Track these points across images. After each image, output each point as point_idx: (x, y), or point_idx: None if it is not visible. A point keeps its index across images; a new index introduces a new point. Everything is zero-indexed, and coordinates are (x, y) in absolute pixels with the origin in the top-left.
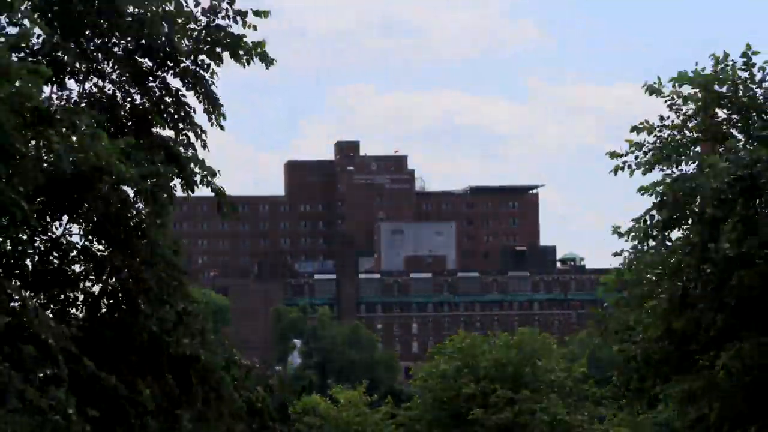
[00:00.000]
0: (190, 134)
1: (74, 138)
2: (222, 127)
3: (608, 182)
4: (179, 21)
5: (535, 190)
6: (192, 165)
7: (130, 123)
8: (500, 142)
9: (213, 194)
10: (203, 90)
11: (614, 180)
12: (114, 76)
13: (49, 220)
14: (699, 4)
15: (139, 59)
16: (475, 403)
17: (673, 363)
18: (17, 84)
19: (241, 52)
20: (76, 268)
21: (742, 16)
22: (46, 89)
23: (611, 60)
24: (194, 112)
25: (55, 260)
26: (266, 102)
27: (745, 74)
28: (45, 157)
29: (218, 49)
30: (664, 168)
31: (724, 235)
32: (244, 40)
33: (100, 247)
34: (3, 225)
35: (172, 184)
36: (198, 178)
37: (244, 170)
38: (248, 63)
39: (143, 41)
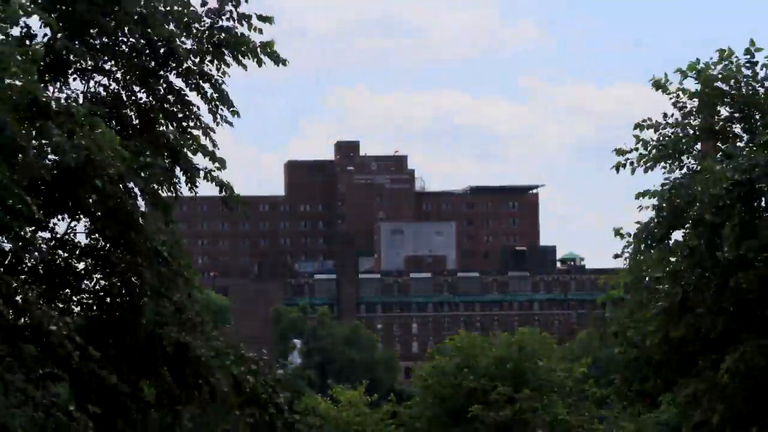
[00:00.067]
0: (198, 132)
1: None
2: (231, 124)
3: (608, 182)
4: (184, 20)
5: (535, 190)
6: (200, 156)
7: (135, 122)
8: (500, 142)
9: (213, 193)
10: (212, 87)
11: (614, 180)
12: (119, 75)
13: (49, 215)
14: (699, 4)
15: (143, 58)
16: (475, 399)
17: (673, 365)
18: (13, 70)
19: (249, 55)
20: (80, 265)
21: (743, 16)
22: (49, 87)
23: (611, 60)
24: (199, 109)
25: (58, 258)
26: (266, 102)
27: (748, 71)
28: (47, 150)
29: (224, 51)
30: (666, 166)
31: (725, 241)
32: (251, 41)
33: (104, 244)
34: (6, 222)
35: (174, 180)
36: (201, 174)
37: (244, 170)
38: (259, 65)
39: (146, 40)
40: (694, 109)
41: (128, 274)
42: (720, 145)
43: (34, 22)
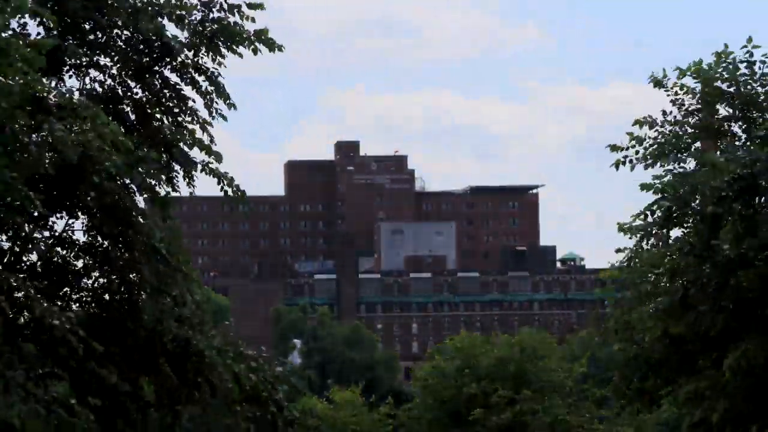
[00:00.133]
0: (196, 127)
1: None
2: (225, 118)
3: (608, 182)
4: (177, 13)
5: (535, 190)
6: (196, 150)
7: (132, 117)
8: (500, 142)
9: (213, 193)
10: (208, 79)
11: (614, 180)
12: (114, 71)
13: (50, 213)
14: (699, 4)
15: (138, 54)
16: (476, 403)
17: (673, 364)
18: (18, 65)
19: (244, 44)
20: (79, 263)
21: (744, 15)
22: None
23: (611, 60)
24: (194, 102)
25: (56, 255)
26: (266, 102)
27: (746, 70)
28: (47, 143)
29: (218, 42)
30: (665, 164)
31: (724, 236)
32: (245, 30)
33: (101, 242)
34: (7, 218)
35: (172, 175)
36: (199, 168)
37: (245, 170)
38: (255, 53)
39: (139, 36)
40: (693, 108)
41: (127, 272)
42: (719, 143)
43: (28, 19)
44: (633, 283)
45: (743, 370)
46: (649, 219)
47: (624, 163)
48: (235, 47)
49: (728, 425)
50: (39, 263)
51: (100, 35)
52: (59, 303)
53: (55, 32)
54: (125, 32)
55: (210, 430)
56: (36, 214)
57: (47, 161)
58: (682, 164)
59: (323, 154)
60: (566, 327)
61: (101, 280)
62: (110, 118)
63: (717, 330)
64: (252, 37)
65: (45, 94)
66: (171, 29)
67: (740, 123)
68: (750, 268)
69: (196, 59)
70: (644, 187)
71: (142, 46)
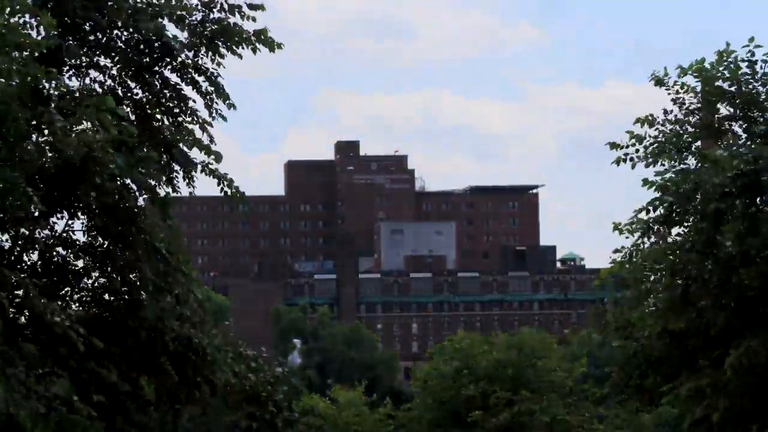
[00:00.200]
0: (195, 127)
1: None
2: (224, 118)
3: (608, 182)
4: (177, 13)
5: (535, 190)
6: (195, 150)
7: (132, 118)
8: (500, 142)
9: (213, 193)
10: (208, 80)
11: (614, 180)
12: (114, 71)
13: (49, 212)
14: (700, 5)
15: (138, 54)
16: (475, 404)
17: (673, 361)
18: (15, 55)
19: (244, 44)
20: (79, 263)
21: (744, 15)
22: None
23: (611, 60)
24: (194, 102)
25: (56, 255)
26: (266, 102)
27: (748, 69)
28: (48, 143)
29: (217, 43)
30: (666, 162)
31: (727, 234)
32: (245, 30)
33: (101, 242)
34: (7, 219)
35: (172, 176)
36: (199, 168)
37: (245, 170)
38: (254, 52)
39: (139, 36)
40: (694, 107)
41: (127, 271)
42: (719, 143)
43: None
44: (635, 278)
45: (745, 368)
46: (651, 215)
47: (625, 160)
48: (235, 48)
49: (729, 424)
50: (39, 263)
51: (100, 36)
52: (60, 303)
53: (54, 32)
54: (125, 33)
55: (210, 430)
56: (36, 213)
57: (48, 160)
58: (684, 162)
59: (323, 154)
60: (566, 327)
61: (101, 280)
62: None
63: (718, 329)
64: (252, 38)
65: (45, 83)
66: (171, 29)
67: (741, 122)
68: (752, 265)
69: (196, 60)
70: (646, 182)
71: (142, 46)
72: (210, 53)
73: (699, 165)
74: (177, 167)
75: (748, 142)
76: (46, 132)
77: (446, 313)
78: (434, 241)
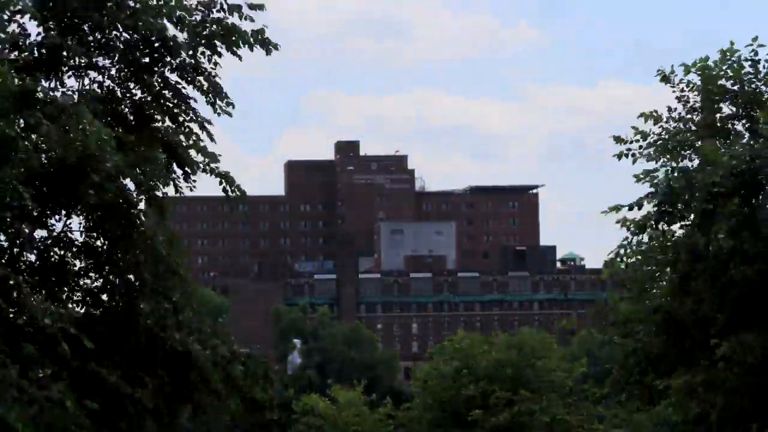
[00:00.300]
0: (194, 126)
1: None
2: (229, 114)
3: (608, 182)
4: (177, 14)
5: (535, 190)
6: (193, 152)
7: (131, 118)
8: (500, 142)
9: (213, 194)
10: (206, 80)
11: (614, 180)
12: (113, 72)
13: (48, 213)
14: (699, 4)
15: (137, 54)
16: (475, 404)
17: (671, 357)
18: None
19: (240, 42)
20: (77, 263)
21: (745, 15)
22: (46, 84)
23: (611, 60)
24: (195, 101)
25: (55, 255)
26: (266, 102)
27: (751, 68)
28: (42, 146)
29: (216, 42)
30: (667, 160)
31: (717, 226)
32: (242, 29)
33: (99, 242)
34: (4, 219)
35: (173, 176)
36: (200, 167)
37: (244, 170)
38: (251, 50)
39: (141, 35)
40: (698, 105)
41: (126, 272)
42: (721, 141)
43: (27, 19)
44: (633, 279)
45: (737, 361)
46: (642, 211)
47: (627, 155)
48: (234, 49)
49: (728, 423)
50: (37, 263)
51: (99, 36)
52: (57, 304)
53: (53, 32)
54: (124, 34)
55: (210, 430)
56: (35, 213)
57: (44, 161)
58: (682, 160)
59: (323, 154)
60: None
61: (99, 281)
62: (108, 119)
63: (718, 328)
64: (250, 39)
65: (38, 93)
66: (170, 30)
67: (744, 121)
68: (748, 261)
69: (194, 59)
70: (638, 178)
71: (142, 46)
72: (208, 53)
73: (696, 163)
74: (176, 167)
75: (751, 142)
76: (36, 135)
77: (446, 313)
78: (434, 241)
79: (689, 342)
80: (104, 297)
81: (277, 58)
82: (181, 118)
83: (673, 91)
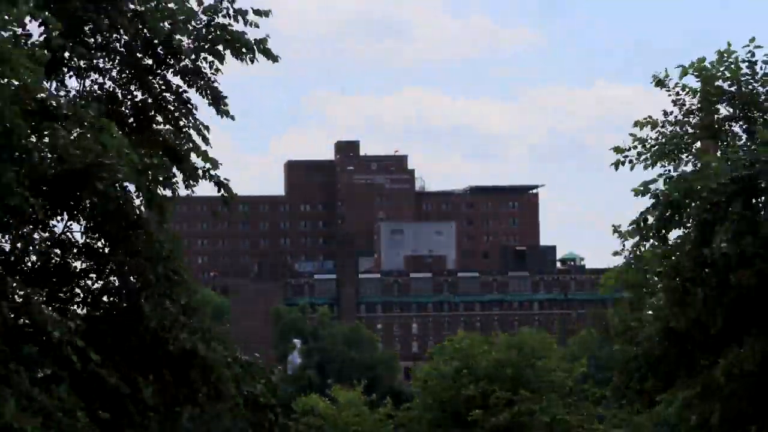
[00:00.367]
0: (192, 131)
1: (76, 133)
2: (232, 117)
3: (608, 182)
4: (181, 18)
5: (535, 190)
6: (193, 156)
7: (131, 120)
8: (500, 142)
9: (213, 192)
10: (205, 86)
11: (614, 180)
12: (114, 73)
13: (49, 215)
14: (699, 4)
15: (140, 56)
16: (475, 404)
17: (671, 360)
18: (20, 71)
19: (244, 50)
20: (78, 265)
21: (744, 16)
22: (46, 84)
23: (611, 60)
24: (196, 109)
25: (56, 257)
26: (266, 102)
27: (748, 70)
28: (52, 155)
29: (220, 47)
30: (665, 164)
31: (719, 235)
32: (246, 37)
33: (101, 244)
34: (7, 222)
35: (174, 180)
36: (200, 172)
37: (245, 170)
38: (252, 61)
39: (143, 38)
40: (694, 107)
41: (129, 274)
42: (719, 143)
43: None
44: (634, 286)
45: (736, 374)
46: (644, 225)
47: (623, 163)
48: (236, 57)
49: (727, 426)
50: (38, 265)
51: (100, 38)
52: (59, 306)
53: (56, 33)
54: (125, 36)
55: (210, 430)
56: (39, 217)
57: (51, 167)
58: (679, 166)
59: (323, 154)
60: (566, 326)
61: (100, 283)
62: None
63: (717, 329)
64: (254, 47)
65: (52, 102)
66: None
67: (741, 123)
68: (749, 266)
69: (196, 64)
70: (638, 193)
71: (144, 49)
72: (211, 58)
73: (695, 166)
74: (176, 170)
75: (749, 143)
76: (47, 140)
77: (446, 313)
78: (434, 241)
79: (690, 346)
80: (105, 298)
81: (278, 56)
82: (182, 123)
83: (669, 95)
